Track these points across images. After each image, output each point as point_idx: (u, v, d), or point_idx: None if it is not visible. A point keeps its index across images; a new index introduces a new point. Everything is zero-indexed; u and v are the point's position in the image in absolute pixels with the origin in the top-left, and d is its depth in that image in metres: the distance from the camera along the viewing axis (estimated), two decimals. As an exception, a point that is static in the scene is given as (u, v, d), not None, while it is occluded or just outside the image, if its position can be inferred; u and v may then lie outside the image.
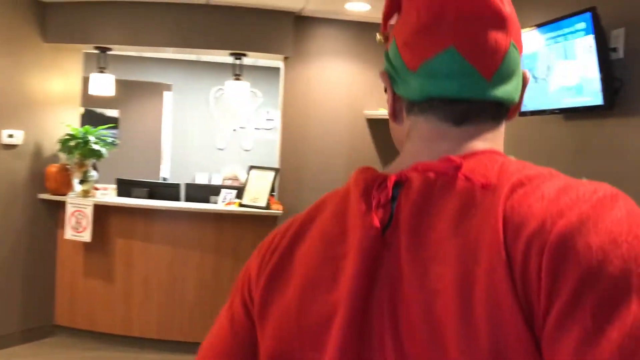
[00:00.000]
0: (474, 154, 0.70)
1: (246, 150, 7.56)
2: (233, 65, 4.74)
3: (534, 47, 3.09)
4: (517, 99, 0.75)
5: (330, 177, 4.80)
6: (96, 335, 4.63)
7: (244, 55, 4.67)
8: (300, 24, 4.63)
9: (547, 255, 0.55)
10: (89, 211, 4.43)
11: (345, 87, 4.79)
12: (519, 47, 0.74)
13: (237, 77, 4.74)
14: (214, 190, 5.05)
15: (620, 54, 2.72)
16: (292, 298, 0.71)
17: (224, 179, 6.25)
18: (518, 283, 0.55)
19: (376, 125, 4.84)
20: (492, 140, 0.73)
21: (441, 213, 0.63)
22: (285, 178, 4.75)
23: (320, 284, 0.70)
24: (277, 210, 4.57)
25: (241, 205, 4.63)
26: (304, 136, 4.76)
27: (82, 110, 8.37)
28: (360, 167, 0.76)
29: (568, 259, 0.54)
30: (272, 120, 7.57)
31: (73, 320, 4.68)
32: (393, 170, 0.73)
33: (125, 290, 4.64)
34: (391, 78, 0.78)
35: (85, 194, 4.57)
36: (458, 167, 0.66)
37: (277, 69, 4.78)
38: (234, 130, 7.59)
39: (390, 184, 0.69)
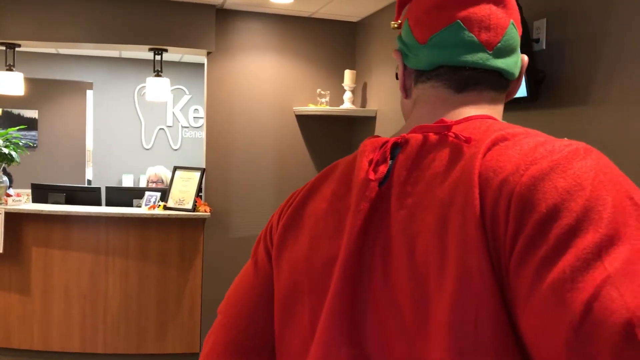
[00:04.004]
0: (468, 118, 0.77)
1: (175, 150, 7.30)
2: (154, 61, 4.50)
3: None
4: (516, 74, 0.83)
5: (259, 176, 4.64)
6: (13, 352, 4.31)
7: (165, 50, 4.45)
8: (222, 17, 4.44)
9: (516, 197, 0.59)
10: (-1, 220, 4.12)
11: (272, 83, 4.64)
12: (518, 28, 0.83)
13: (158, 73, 4.51)
14: (138, 193, 4.80)
15: (543, 45, 2.69)
16: (302, 245, 0.81)
17: (148, 181, 5.99)
18: (488, 223, 0.60)
19: (306, 122, 4.71)
20: (489, 110, 0.81)
21: (430, 166, 0.70)
22: (212, 178, 4.56)
23: (326, 233, 0.78)
24: (205, 212, 4.38)
25: (166, 208, 4.42)
26: (231, 134, 4.58)
27: (-1, 111, 7.91)
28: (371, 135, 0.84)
29: (534, 199, 0.58)
30: (201, 118, 7.34)
31: (-14, 338, 4.35)
32: (398, 134, 0.80)
33: (43, 302, 4.34)
34: (403, 55, 0.87)
35: (-5, 201, 4.25)
36: (449, 127, 0.72)
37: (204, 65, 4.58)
38: (161, 129, 7.31)
39: (388, 145, 0.77)
